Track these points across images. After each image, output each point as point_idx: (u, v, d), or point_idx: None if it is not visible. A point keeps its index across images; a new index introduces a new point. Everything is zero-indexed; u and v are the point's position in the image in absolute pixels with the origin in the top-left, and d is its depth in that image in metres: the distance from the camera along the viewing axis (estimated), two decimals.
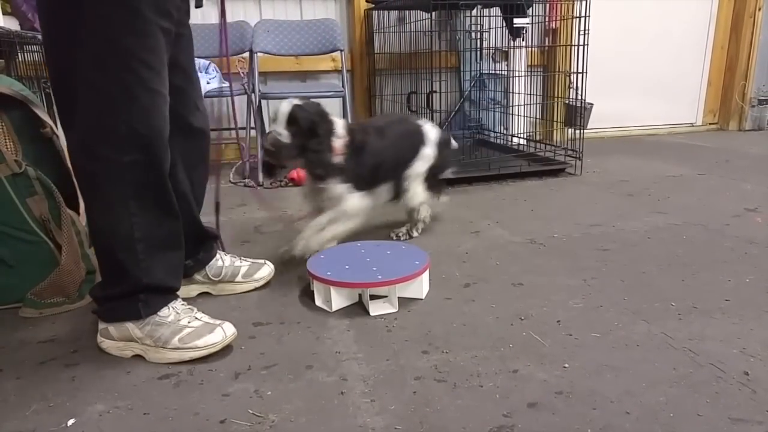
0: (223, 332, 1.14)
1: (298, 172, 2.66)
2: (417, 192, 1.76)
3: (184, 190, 1.29)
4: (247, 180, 2.73)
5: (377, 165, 1.62)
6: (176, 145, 1.18)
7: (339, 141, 1.54)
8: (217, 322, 1.17)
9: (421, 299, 1.39)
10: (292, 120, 1.49)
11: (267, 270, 1.49)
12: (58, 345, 1.22)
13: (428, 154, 1.75)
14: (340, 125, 1.57)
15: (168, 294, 1.19)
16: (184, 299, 1.23)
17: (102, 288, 1.18)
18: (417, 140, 1.76)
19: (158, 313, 1.15)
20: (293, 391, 1.03)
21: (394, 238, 1.79)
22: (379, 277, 1.33)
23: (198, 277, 1.44)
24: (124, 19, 0.98)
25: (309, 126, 1.49)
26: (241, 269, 1.46)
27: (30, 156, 1.51)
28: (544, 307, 1.33)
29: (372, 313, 1.32)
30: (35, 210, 1.37)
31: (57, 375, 1.10)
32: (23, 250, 1.37)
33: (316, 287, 1.37)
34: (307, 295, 1.42)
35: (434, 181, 1.80)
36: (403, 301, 1.36)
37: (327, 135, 1.52)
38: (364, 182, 1.59)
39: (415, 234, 1.84)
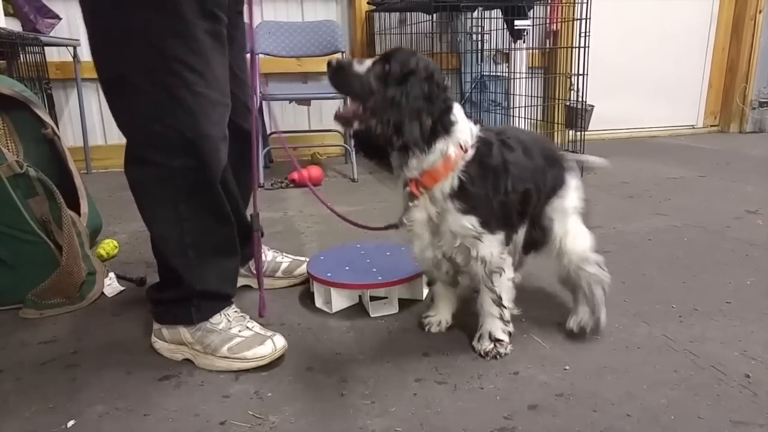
0: (273, 345, 1.11)
1: (300, 174, 2.67)
2: (579, 232, 1.18)
3: (232, 188, 1.30)
4: None
5: (524, 194, 1.10)
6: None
7: (459, 143, 1.03)
8: (268, 333, 1.14)
9: (422, 300, 1.39)
10: (389, 57, 1.02)
11: (306, 267, 1.49)
12: (59, 346, 1.22)
13: (578, 184, 1.22)
14: (464, 121, 1.06)
15: (222, 301, 1.18)
16: None
17: (158, 290, 1.19)
18: (560, 164, 1.20)
19: (210, 320, 1.15)
20: (293, 392, 1.03)
21: (575, 329, 1.18)
22: (380, 278, 1.33)
23: (241, 270, 1.44)
24: (166, 22, 0.97)
25: (409, 72, 1.00)
26: (281, 265, 1.48)
27: (31, 157, 1.51)
28: (545, 309, 1.33)
29: (372, 315, 1.31)
30: (36, 211, 1.37)
31: (57, 376, 1.10)
32: (24, 251, 1.37)
33: (317, 289, 1.37)
34: (308, 297, 1.42)
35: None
36: (404, 303, 1.36)
37: (437, 104, 1.01)
38: (501, 219, 1.08)
39: (603, 317, 1.18)
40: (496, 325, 1.14)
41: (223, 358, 1.11)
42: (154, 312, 1.19)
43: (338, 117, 1.08)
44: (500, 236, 1.07)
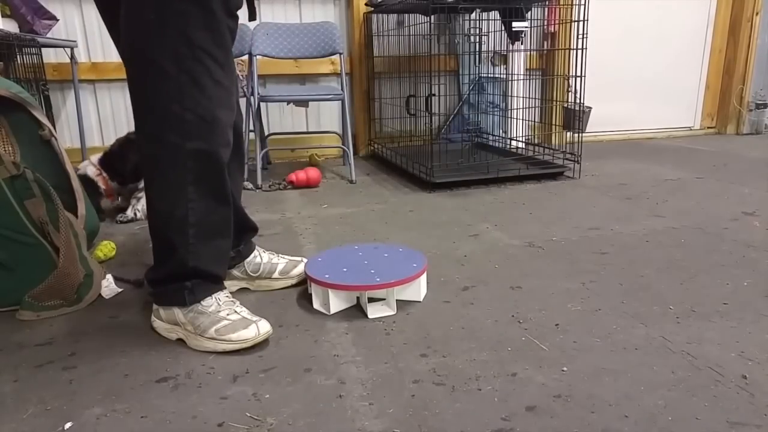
0: (257, 329, 1.17)
1: (297, 175, 2.67)
2: None
3: None
4: (245, 182, 2.73)
5: None
6: None
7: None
8: (255, 318, 1.20)
9: (420, 302, 1.39)
10: None
11: (303, 267, 1.51)
12: (56, 348, 1.21)
13: None
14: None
15: (213, 283, 1.25)
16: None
17: (153, 270, 1.25)
18: None
19: (202, 302, 1.21)
20: (291, 394, 1.03)
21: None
22: (377, 279, 1.33)
23: (237, 272, 1.48)
24: (198, 15, 1.07)
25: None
26: (278, 266, 1.50)
27: (28, 158, 1.51)
28: (543, 311, 1.33)
29: (370, 316, 1.31)
30: (33, 212, 1.37)
31: (54, 378, 1.10)
32: (21, 253, 1.37)
33: (314, 290, 1.37)
34: (305, 298, 1.42)
35: None
36: (402, 304, 1.36)
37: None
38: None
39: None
40: None
41: (210, 339, 1.17)
42: (152, 294, 1.27)
43: None
44: None
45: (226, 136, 1.17)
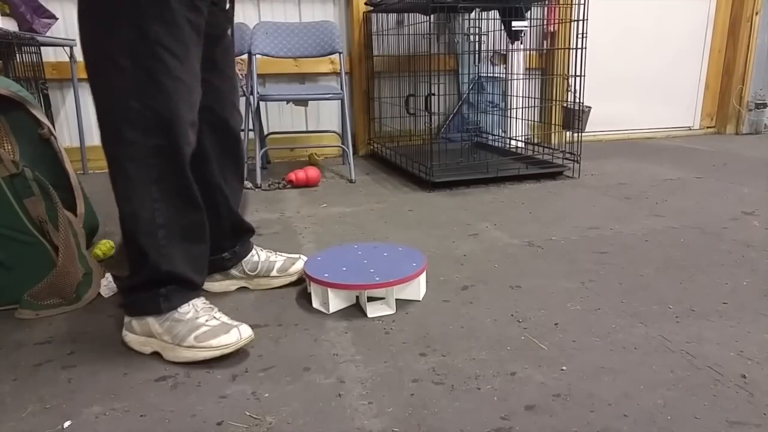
0: (239, 334, 1.13)
1: (296, 174, 2.67)
2: None
3: (218, 182, 1.33)
4: (245, 181, 2.73)
5: None
6: (210, 141, 1.23)
7: None
8: (235, 323, 1.16)
9: (419, 301, 1.39)
10: None
11: (301, 264, 1.50)
12: (55, 347, 1.21)
13: None
14: None
15: (189, 290, 1.20)
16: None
17: (128, 278, 1.20)
18: None
19: (178, 309, 1.16)
20: (291, 393, 1.03)
21: None
22: (377, 278, 1.33)
23: (235, 272, 1.47)
24: (154, 8, 1.03)
25: None
26: (276, 264, 1.49)
27: (27, 157, 1.50)
28: (542, 310, 1.33)
29: (369, 315, 1.31)
30: (32, 211, 1.37)
31: (53, 377, 1.10)
32: (20, 252, 1.37)
33: (314, 289, 1.37)
34: (305, 298, 1.42)
35: None
36: (401, 303, 1.36)
37: None
38: None
39: None
40: None
41: (189, 348, 1.12)
42: (124, 304, 1.21)
43: None
44: None
45: (187, 134, 1.13)
